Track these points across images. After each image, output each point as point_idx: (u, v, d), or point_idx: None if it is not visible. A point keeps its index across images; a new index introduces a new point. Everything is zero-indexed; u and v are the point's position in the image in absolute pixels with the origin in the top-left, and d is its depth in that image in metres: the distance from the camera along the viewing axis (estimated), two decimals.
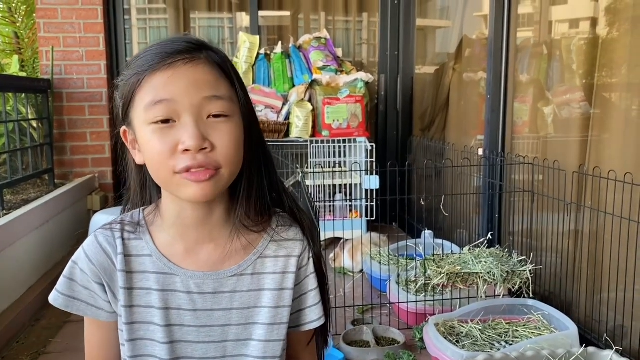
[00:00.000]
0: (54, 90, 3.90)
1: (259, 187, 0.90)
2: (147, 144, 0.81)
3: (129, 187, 0.95)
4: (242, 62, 3.95)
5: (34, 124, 3.92)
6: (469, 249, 2.63)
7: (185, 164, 0.79)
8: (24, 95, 3.69)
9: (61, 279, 0.88)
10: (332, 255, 3.19)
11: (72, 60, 3.95)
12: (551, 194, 2.39)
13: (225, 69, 0.85)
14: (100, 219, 3.13)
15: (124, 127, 0.87)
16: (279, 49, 4.04)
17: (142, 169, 0.91)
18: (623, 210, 1.97)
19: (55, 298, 0.88)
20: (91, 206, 3.84)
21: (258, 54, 4.02)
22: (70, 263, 0.88)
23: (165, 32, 4.68)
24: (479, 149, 3.00)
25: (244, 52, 3.97)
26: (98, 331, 0.91)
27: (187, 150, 0.79)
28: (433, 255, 2.69)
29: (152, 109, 0.80)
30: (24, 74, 4.69)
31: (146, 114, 0.80)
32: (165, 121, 0.80)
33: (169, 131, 0.80)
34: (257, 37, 4.06)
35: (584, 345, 1.93)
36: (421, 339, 2.22)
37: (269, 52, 4.05)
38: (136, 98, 0.82)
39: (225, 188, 0.85)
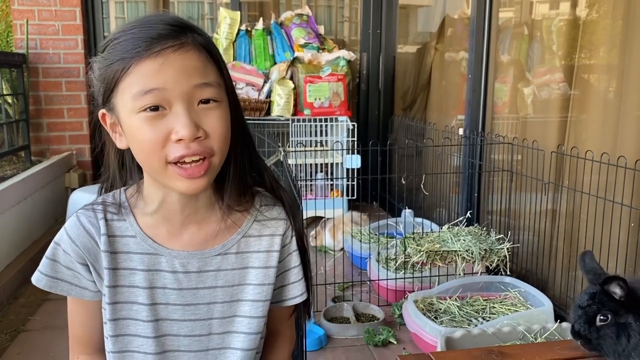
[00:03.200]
0: (29, 65, 3.81)
1: (241, 168, 0.90)
2: (137, 132, 0.80)
3: (107, 167, 0.94)
4: (222, 38, 3.89)
5: (9, 99, 3.83)
6: (448, 228, 2.67)
7: (179, 153, 0.78)
8: None
9: (43, 260, 0.87)
10: (313, 232, 3.20)
11: (47, 35, 3.85)
12: (529, 174, 2.43)
13: (211, 51, 0.84)
14: (79, 196, 3.09)
15: (102, 111, 0.85)
16: (260, 25, 3.98)
17: (120, 150, 0.89)
18: (599, 190, 2.01)
19: (38, 279, 0.87)
20: (69, 184, 3.78)
21: (239, 30, 3.96)
22: (52, 244, 0.87)
23: (143, 7, 4.58)
24: (460, 129, 3.02)
25: (225, 28, 3.90)
26: (82, 310, 0.91)
27: (180, 139, 0.78)
28: (413, 233, 2.72)
29: (141, 98, 0.78)
30: None
31: (134, 103, 0.78)
32: (155, 109, 0.78)
33: (160, 120, 0.79)
34: (238, 12, 3.99)
35: (559, 321, 1.98)
36: (400, 315, 2.26)
37: (249, 29, 3.99)
38: (121, 85, 0.80)
39: (215, 177, 0.85)
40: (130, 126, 0.80)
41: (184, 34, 0.81)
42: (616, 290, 1.01)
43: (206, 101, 0.81)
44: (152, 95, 0.78)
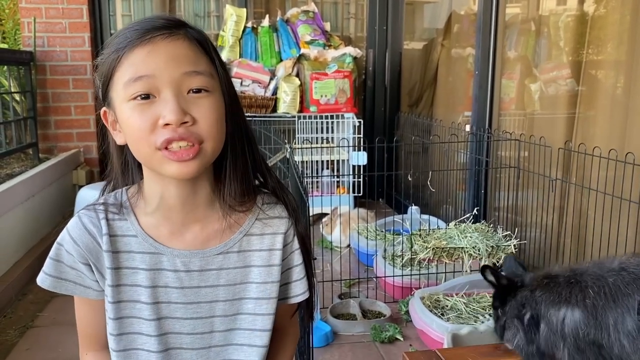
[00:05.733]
0: (36, 62, 3.83)
1: (243, 167, 0.90)
2: (127, 121, 0.81)
3: (111, 168, 0.95)
4: (228, 35, 3.89)
5: (17, 97, 3.85)
6: (455, 224, 2.66)
7: (166, 137, 0.79)
8: (5, 67, 3.62)
9: (47, 261, 0.88)
10: (325, 219, 3.18)
11: (54, 32, 3.87)
12: (537, 170, 2.42)
13: (204, 45, 0.84)
14: (87, 193, 3.10)
15: (104, 109, 0.86)
16: (266, 22, 3.98)
17: (123, 150, 0.90)
18: (607, 186, 2.00)
19: (42, 279, 0.88)
20: (76, 181, 3.81)
21: (245, 27, 3.96)
22: (55, 245, 0.88)
23: (150, 4, 4.58)
24: (466, 125, 3.01)
25: (231, 25, 3.91)
26: (88, 309, 0.92)
27: (167, 124, 0.79)
28: (419, 230, 2.72)
29: (131, 85, 0.79)
30: (5, 46, 4.60)
31: (125, 91, 0.79)
32: (145, 97, 0.79)
33: (149, 107, 0.79)
34: (244, 9, 3.99)
35: None
36: (407, 312, 2.26)
37: (256, 26, 4.00)
38: (115, 76, 0.81)
39: (208, 164, 0.85)
40: (123, 115, 0.81)
41: (177, 27, 0.82)
42: (489, 278, 1.07)
43: (197, 90, 0.81)
44: (141, 83, 0.79)
